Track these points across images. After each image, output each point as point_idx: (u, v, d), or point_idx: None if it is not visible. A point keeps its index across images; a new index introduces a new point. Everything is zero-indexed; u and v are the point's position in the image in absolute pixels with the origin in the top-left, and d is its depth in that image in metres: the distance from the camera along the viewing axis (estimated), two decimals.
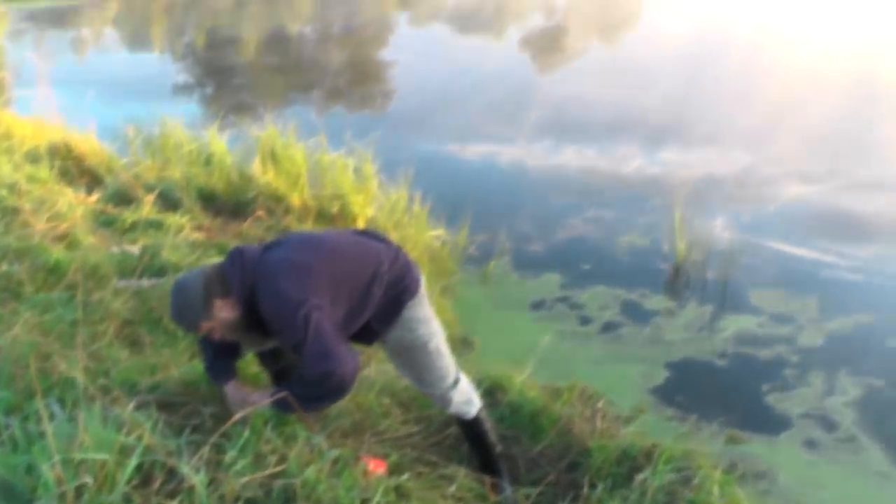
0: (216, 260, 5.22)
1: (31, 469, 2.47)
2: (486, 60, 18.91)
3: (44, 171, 7.19)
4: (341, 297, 2.95)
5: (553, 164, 9.76)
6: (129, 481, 2.46)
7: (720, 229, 7.32)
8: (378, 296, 3.06)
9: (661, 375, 5.15)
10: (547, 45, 21.42)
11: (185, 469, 2.51)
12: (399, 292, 3.14)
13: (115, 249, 5.26)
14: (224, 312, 2.87)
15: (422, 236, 6.53)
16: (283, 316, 2.80)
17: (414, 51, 20.64)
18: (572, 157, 9.98)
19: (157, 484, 2.53)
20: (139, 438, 2.60)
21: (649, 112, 12.22)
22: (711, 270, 6.47)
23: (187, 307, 2.87)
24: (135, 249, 5.26)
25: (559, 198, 8.48)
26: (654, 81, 14.86)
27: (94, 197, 6.89)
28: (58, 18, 33.68)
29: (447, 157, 10.14)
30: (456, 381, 3.39)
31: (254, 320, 2.91)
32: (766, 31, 21.24)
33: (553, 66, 18.47)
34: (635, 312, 5.95)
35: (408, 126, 11.84)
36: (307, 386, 2.82)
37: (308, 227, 6.55)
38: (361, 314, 3.05)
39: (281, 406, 2.86)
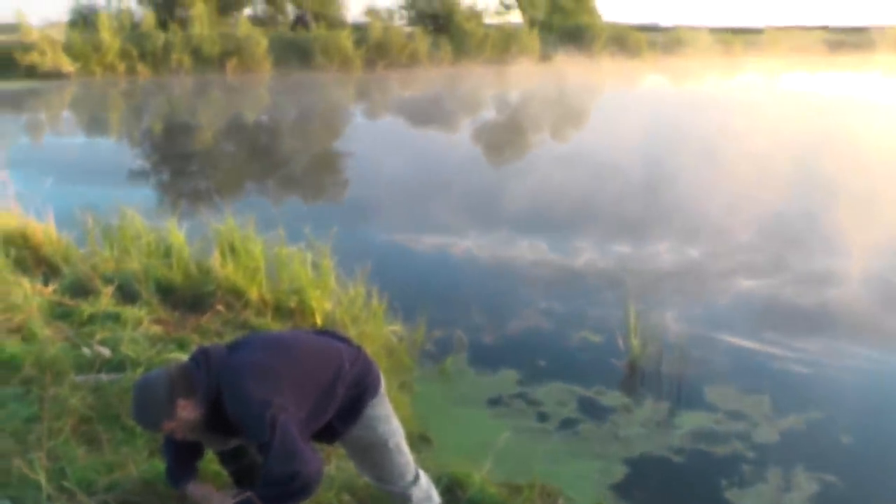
0: (176, 354, 5.22)
1: None
2: (439, 152, 19.27)
3: None
4: (305, 398, 2.98)
5: (507, 257, 9.91)
6: None
7: (672, 323, 7.44)
8: (340, 395, 3.10)
9: (620, 472, 5.17)
10: (500, 138, 21.92)
11: None
12: (361, 391, 3.18)
13: (86, 351, 5.19)
14: (187, 412, 2.88)
15: (379, 332, 6.53)
16: (249, 418, 2.82)
17: (369, 141, 20.97)
18: (525, 251, 10.15)
19: None
20: None
21: (600, 206, 12.56)
22: (666, 365, 6.55)
23: (150, 406, 2.88)
24: (106, 351, 5.19)
25: (514, 292, 8.60)
26: (604, 176, 15.28)
27: (51, 288, 6.80)
28: (14, 101, 33.66)
29: (402, 249, 10.25)
30: (416, 479, 3.42)
31: (217, 420, 2.93)
32: (714, 128, 21.98)
33: (505, 159, 18.87)
34: (592, 409, 5.99)
35: (364, 217, 11.99)
36: (272, 487, 2.83)
37: (266, 321, 6.53)
38: (324, 414, 3.08)
39: None
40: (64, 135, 24.68)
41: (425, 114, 27.44)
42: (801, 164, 16.47)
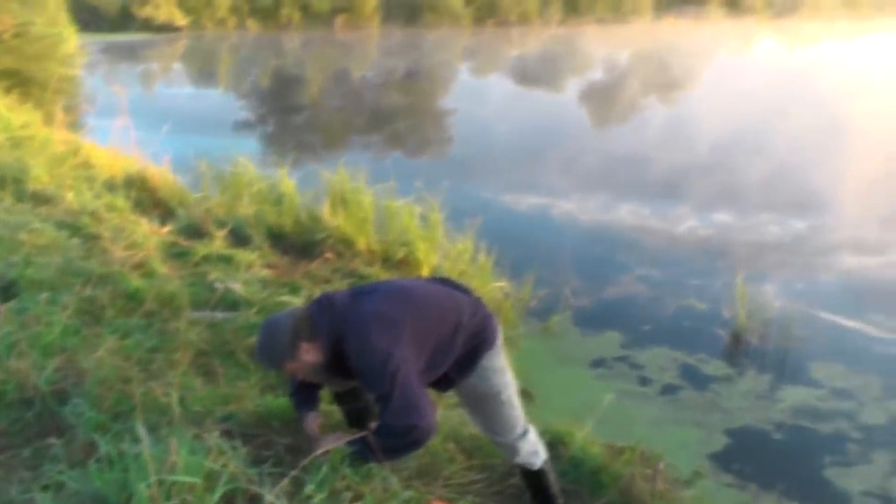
0: (287, 298, 5.37)
1: (124, 486, 2.57)
2: (544, 112, 19.13)
3: (121, 201, 7.44)
4: (425, 349, 3.02)
5: (608, 220, 9.83)
6: None
7: (776, 297, 7.25)
8: (459, 347, 3.14)
9: (720, 442, 5.10)
10: (605, 100, 21.58)
11: (269, 498, 2.59)
12: (478, 343, 3.21)
13: (218, 285, 5.40)
14: (309, 356, 2.96)
15: (485, 287, 6.55)
16: (371, 369, 2.88)
17: (475, 100, 20.95)
18: (627, 215, 10.04)
19: None
20: (224, 465, 2.70)
21: (704, 173, 12.28)
22: (770, 339, 6.42)
23: (273, 347, 2.96)
24: (237, 285, 5.39)
25: (616, 255, 8.53)
26: (710, 142, 14.93)
27: (168, 228, 7.09)
28: (130, 52, 34.79)
29: (507, 208, 10.27)
30: (525, 432, 3.45)
31: (338, 364, 2.99)
32: (827, 96, 21.17)
33: (609, 121, 18.61)
34: (694, 376, 5.92)
35: (469, 175, 12.02)
36: (388, 437, 2.91)
37: (375, 271, 6.64)
38: (442, 364, 3.13)
39: (359, 452, 2.96)
40: (176, 85, 25.41)
41: (532, 73, 27.23)
42: None
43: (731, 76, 27.01)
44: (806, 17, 54.56)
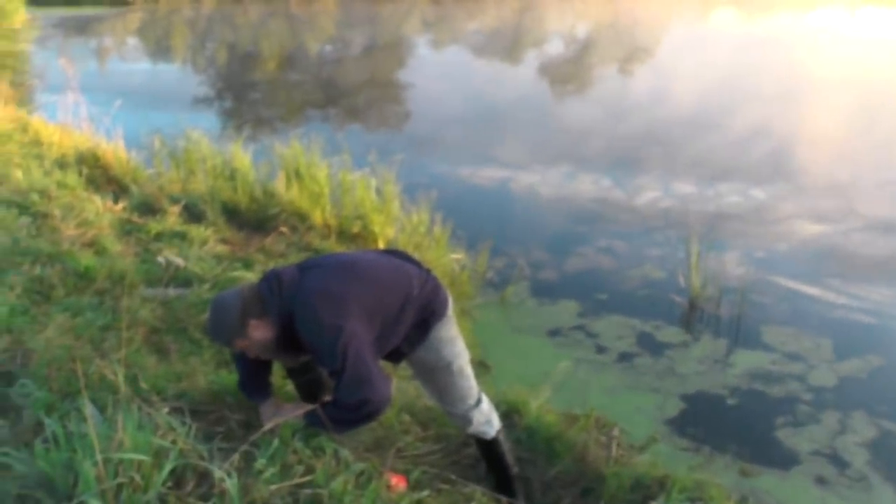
0: (241, 273, 5.34)
1: (70, 466, 2.54)
2: (503, 86, 19.07)
3: (72, 178, 7.32)
4: (375, 322, 3.02)
5: (569, 192, 9.87)
6: (164, 483, 2.54)
7: (733, 265, 7.35)
8: (409, 319, 3.14)
9: (675, 407, 5.19)
10: (565, 72, 21.55)
11: (218, 473, 2.58)
12: (428, 315, 3.21)
13: (161, 260, 5.35)
14: (259, 333, 2.94)
15: (442, 259, 6.56)
16: (322, 345, 2.88)
17: (433, 73, 20.84)
18: (588, 187, 10.08)
19: (190, 486, 2.62)
20: (174, 442, 2.69)
21: (664, 145, 12.35)
22: (725, 305, 6.51)
23: (223, 325, 2.94)
24: (180, 261, 5.35)
25: (575, 226, 8.58)
26: (671, 113, 15.00)
27: (121, 205, 6.99)
28: (82, 26, 34.11)
29: (466, 180, 10.26)
30: (478, 402, 3.46)
31: (288, 341, 2.99)
32: (788, 66, 21.32)
33: (570, 94, 18.60)
34: (650, 344, 6.00)
35: (427, 148, 11.98)
36: (342, 411, 2.92)
37: (330, 244, 6.62)
38: (393, 336, 3.12)
39: (313, 422, 2.97)
40: (130, 60, 24.98)
41: (492, 45, 27.12)
42: (877, 108, 15.92)
43: (690, 46, 27.12)
44: None
